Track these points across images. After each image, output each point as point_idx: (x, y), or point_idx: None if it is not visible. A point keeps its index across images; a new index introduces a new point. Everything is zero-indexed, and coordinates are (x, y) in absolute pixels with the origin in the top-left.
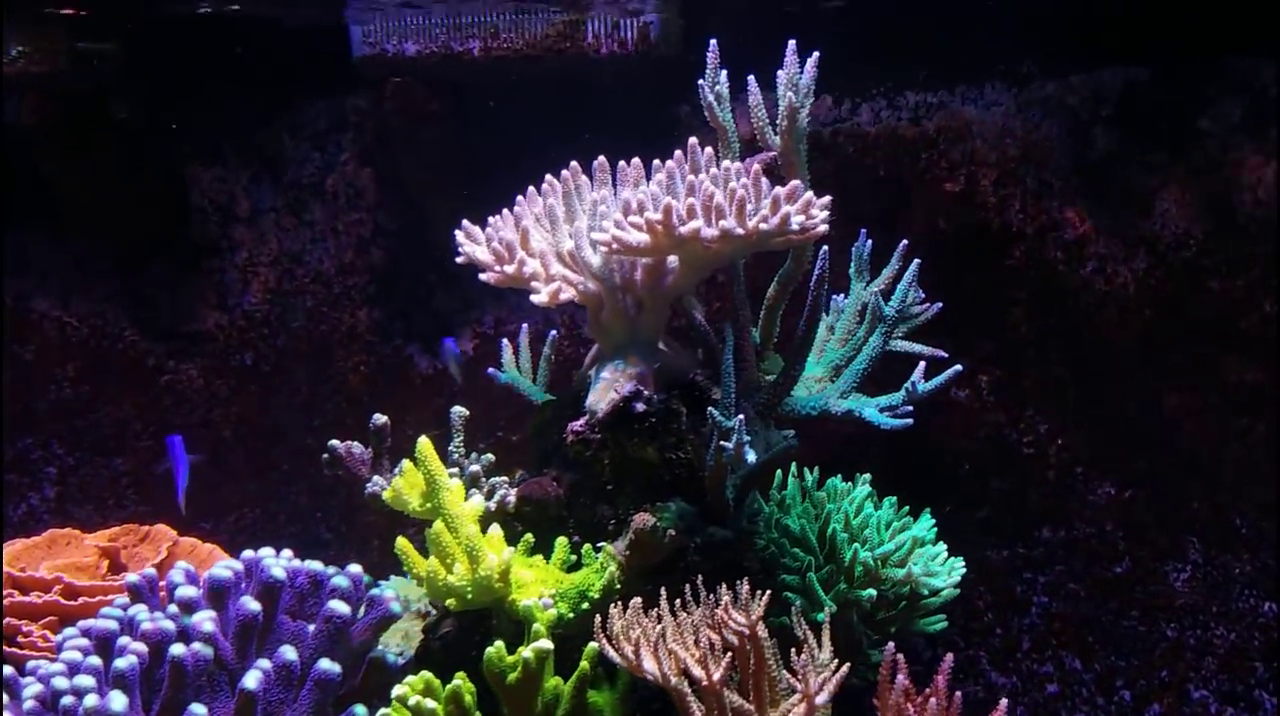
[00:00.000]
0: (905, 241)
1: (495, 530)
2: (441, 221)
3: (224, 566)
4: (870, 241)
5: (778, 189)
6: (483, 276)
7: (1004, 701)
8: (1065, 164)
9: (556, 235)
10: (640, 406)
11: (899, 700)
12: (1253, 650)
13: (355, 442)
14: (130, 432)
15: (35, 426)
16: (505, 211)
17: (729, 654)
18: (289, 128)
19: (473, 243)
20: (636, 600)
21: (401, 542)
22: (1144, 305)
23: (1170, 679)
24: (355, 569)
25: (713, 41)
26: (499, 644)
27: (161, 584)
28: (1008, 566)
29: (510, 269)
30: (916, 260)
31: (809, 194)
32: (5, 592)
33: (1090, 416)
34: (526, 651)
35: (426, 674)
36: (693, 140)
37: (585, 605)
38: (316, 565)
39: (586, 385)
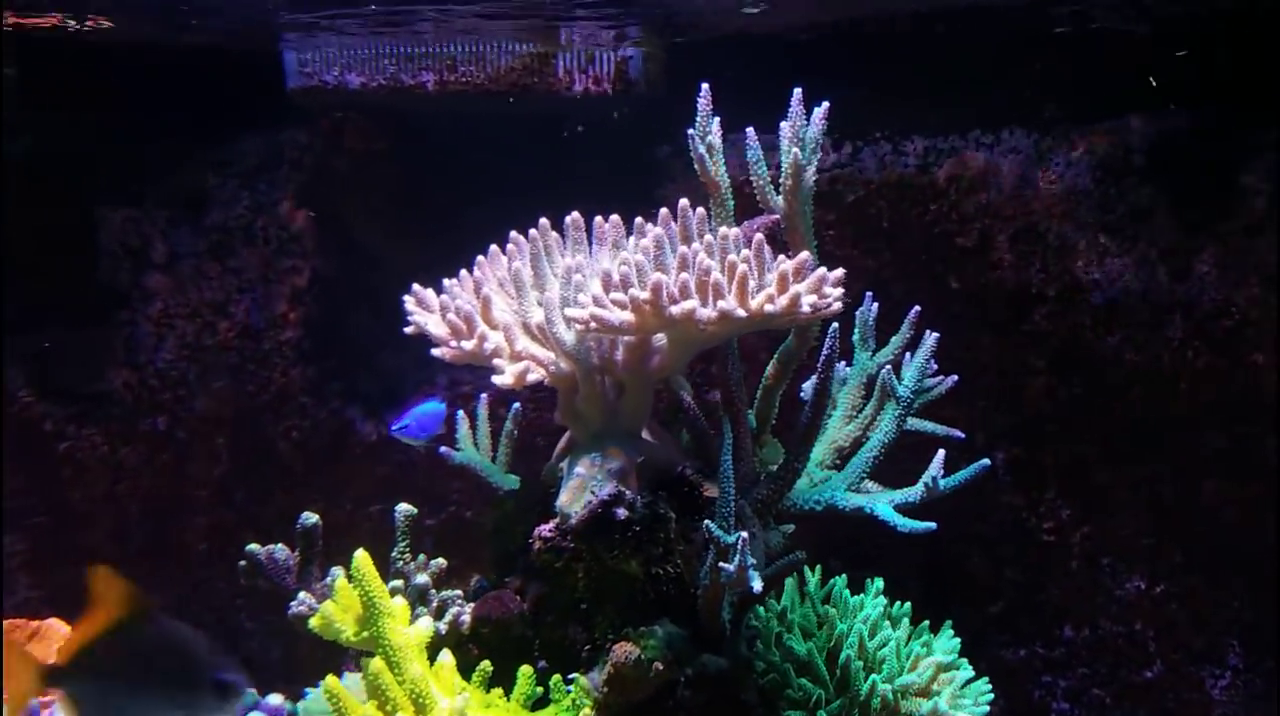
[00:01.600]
0: (917, 308)
1: (446, 658)
2: (392, 271)
3: None
4: (876, 304)
5: (783, 263)
6: (437, 352)
7: None
8: (1091, 219)
9: (523, 304)
10: (622, 512)
11: None
12: None
13: (279, 546)
14: (25, 507)
15: None
16: (464, 274)
17: None
18: (215, 164)
19: (424, 311)
20: None
21: (331, 684)
22: (1179, 379)
23: None
24: (274, 701)
25: (704, 86)
26: None
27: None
28: (1025, 668)
29: (470, 345)
30: (934, 334)
31: (821, 269)
32: None
33: (1118, 502)
34: None
35: None
36: (683, 202)
37: None
38: None
39: (557, 479)
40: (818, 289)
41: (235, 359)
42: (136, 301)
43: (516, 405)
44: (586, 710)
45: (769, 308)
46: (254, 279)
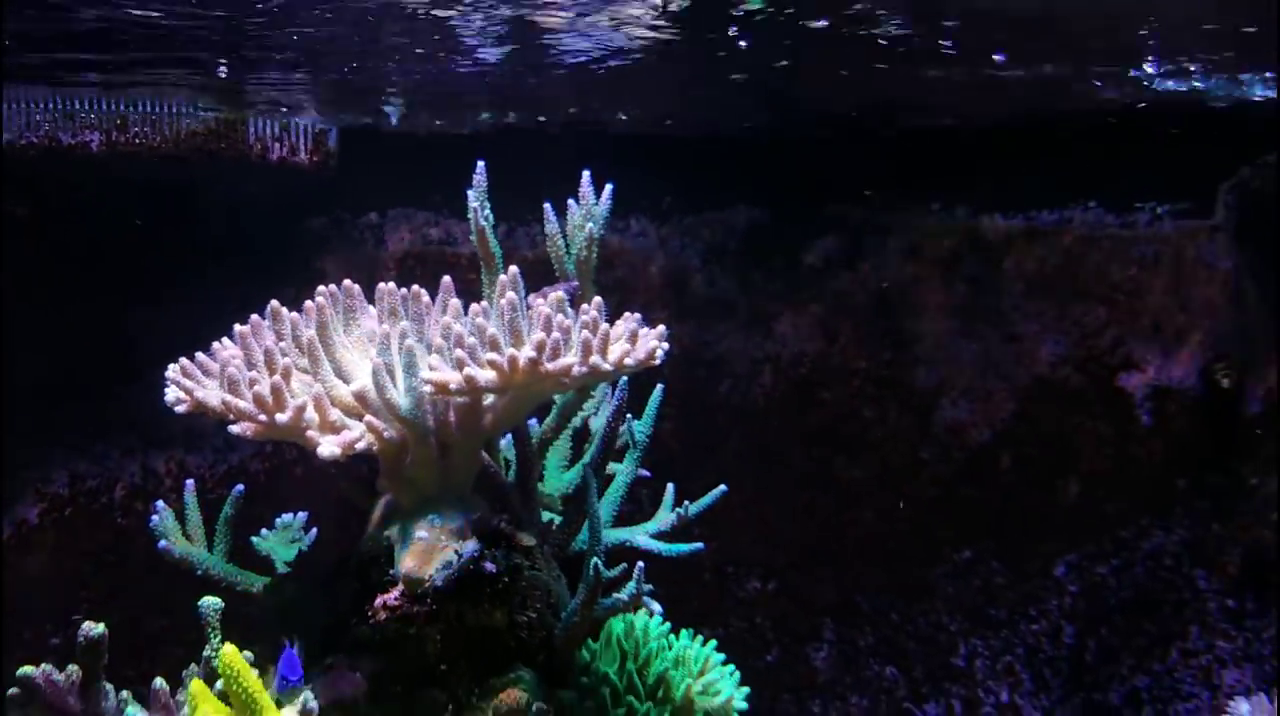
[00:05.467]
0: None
1: None
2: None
3: None
4: None
5: (625, 320)
6: (236, 428)
7: None
8: (702, 292)
9: (319, 374)
10: (491, 566)
11: None
12: (880, 714)
13: (50, 668)
14: None
15: None
16: (227, 343)
17: None
18: None
19: (200, 384)
20: None
21: None
22: (770, 415)
23: None
24: None
25: (480, 164)
26: None
27: None
28: None
29: (285, 417)
30: (661, 385)
31: (661, 327)
32: None
33: (736, 519)
34: None
35: None
36: (514, 269)
37: None
38: None
39: (384, 549)
40: (661, 338)
41: None
42: None
43: (240, 487)
44: None
45: (628, 360)
46: None
